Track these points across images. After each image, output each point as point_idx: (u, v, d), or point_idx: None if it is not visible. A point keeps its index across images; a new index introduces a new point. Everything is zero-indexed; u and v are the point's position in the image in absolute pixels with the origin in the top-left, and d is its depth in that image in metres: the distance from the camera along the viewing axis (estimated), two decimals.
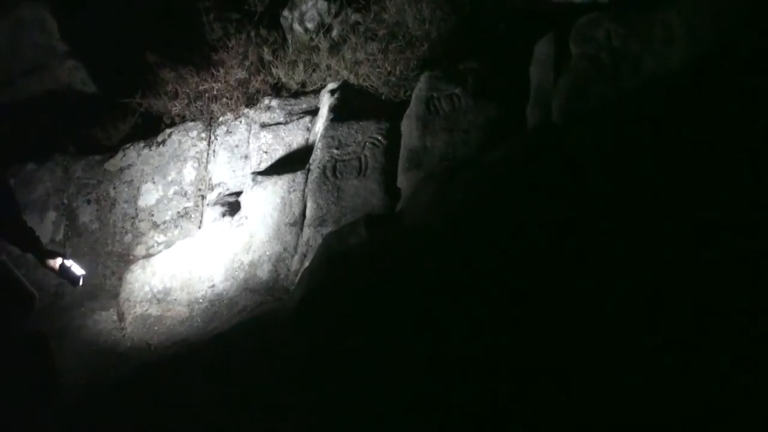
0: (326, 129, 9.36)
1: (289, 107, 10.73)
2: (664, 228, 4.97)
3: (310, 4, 11.76)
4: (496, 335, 4.89)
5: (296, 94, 11.01)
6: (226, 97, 11.09)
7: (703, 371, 4.03)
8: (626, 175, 5.57)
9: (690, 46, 6.65)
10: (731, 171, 5.02)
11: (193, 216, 10.33)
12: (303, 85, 11.09)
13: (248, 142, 10.59)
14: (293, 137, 10.23)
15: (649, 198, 5.28)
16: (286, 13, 12.05)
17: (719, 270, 4.48)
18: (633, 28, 7.20)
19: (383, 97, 10.02)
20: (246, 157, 10.50)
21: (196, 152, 10.78)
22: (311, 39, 11.36)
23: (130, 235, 10.51)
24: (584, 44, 7.41)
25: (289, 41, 11.66)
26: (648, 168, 5.50)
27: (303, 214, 8.81)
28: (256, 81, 11.19)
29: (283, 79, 11.15)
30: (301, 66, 11.02)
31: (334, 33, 11.40)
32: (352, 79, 10.36)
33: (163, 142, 11.03)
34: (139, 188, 10.77)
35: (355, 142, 9.00)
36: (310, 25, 11.69)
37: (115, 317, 9.40)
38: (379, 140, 8.88)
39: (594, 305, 4.73)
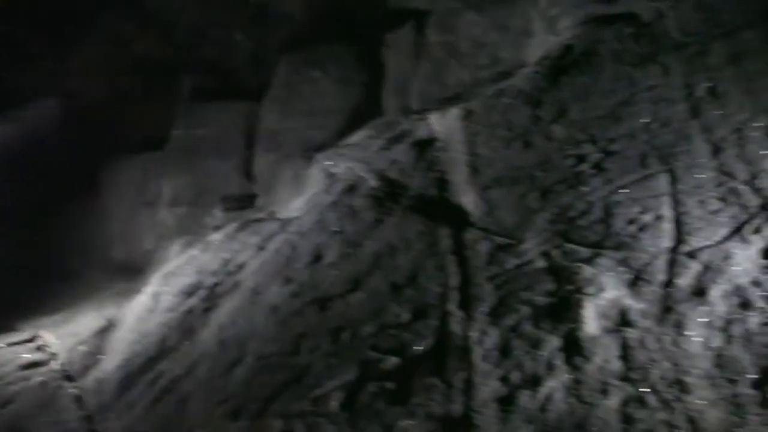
0: (185, 110, 9.36)
1: None
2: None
3: None
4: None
5: None
6: None
7: None
8: (479, 158, 5.75)
9: (546, 39, 6.87)
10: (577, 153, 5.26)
11: None
12: None
13: None
14: None
15: (498, 179, 5.49)
16: None
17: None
18: (493, 19, 7.38)
19: (246, 80, 10.04)
20: None
21: None
22: None
23: None
24: (443, 33, 7.56)
25: None
26: (500, 152, 5.71)
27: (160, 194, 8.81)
28: None
29: None
30: None
31: None
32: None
33: None
34: None
35: (215, 123, 9.02)
36: None
37: None
38: (239, 122, 8.91)
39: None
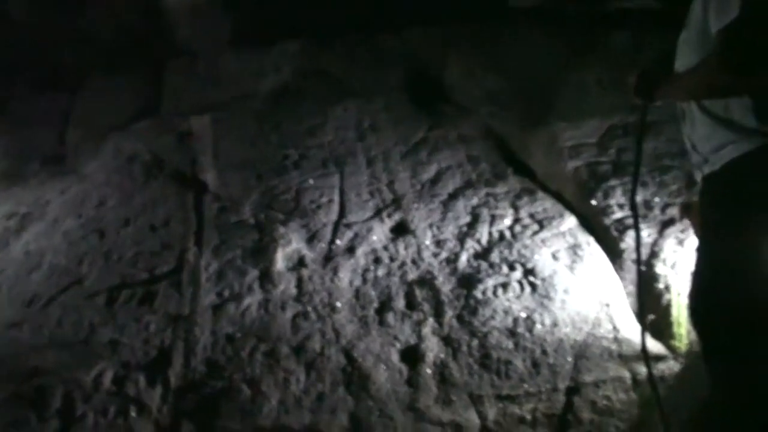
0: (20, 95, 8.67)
1: None
2: None
3: None
4: None
5: None
6: None
7: None
8: (220, 150, 5.72)
9: (274, 78, 6.91)
10: None
11: None
12: None
13: None
14: None
15: (231, 164, 5.49)
16: None
17: None
18: (241, 61, 7.30)
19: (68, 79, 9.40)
20: None
21: None
22: None
23: None
24: (207, 66, 7.41)
25: None
26: (234, 147, 5.70)
27: None
28: None
29: None
30: None
31: None
32: None
33: None
34: None
35: (42, 104, 8.40)
36: None
37: None
38: (60, 105, 8.36)
39: None
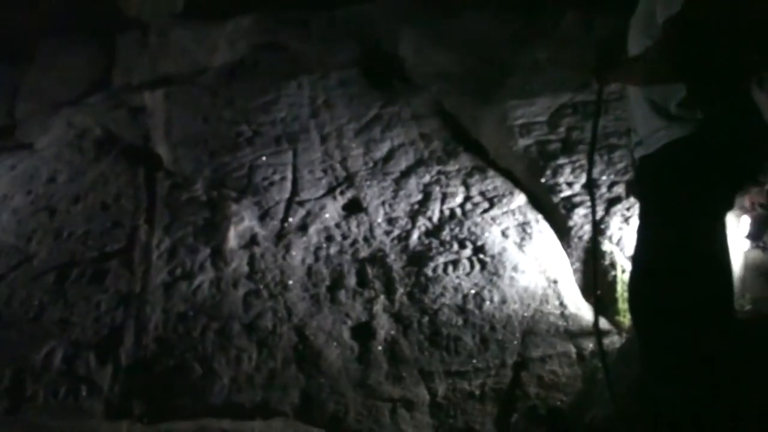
0: None
1: None
2: None
3: None
4: None
5: None
6: None
7: None
8: (172, 125, 5.62)
9: (228, 53, 6.79)
10: None
11: None
12: None
13: None
14: None
15: (184, 140, 5.40)
16: None
17: None
18: (194, 34, 7.17)
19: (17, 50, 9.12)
20: None
21: None
22: None
23: None
24: (160, 38, 7.29)
25: None
26: (187, 123, 5.60)
27: None
28: None
29: None
30: None
31: None
32: None
33: None
34: None
35: None
36: None
37: None
38: (11, 78, 8.13)
39: None
